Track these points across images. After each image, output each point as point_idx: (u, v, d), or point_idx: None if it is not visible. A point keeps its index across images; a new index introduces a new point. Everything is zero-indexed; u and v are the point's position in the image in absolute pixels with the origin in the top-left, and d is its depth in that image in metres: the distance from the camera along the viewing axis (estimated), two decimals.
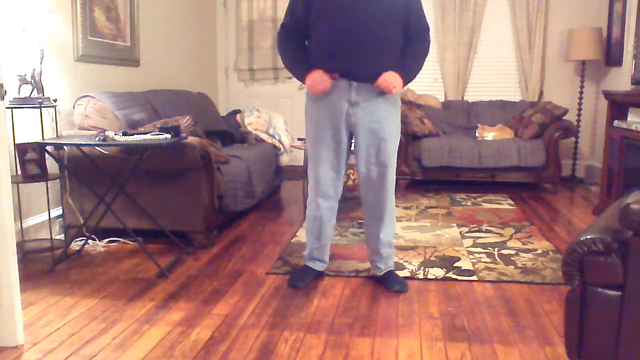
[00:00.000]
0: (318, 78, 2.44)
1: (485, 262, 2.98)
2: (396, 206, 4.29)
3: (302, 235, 3.45)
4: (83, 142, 2.81)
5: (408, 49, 2.50)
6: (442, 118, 5.44)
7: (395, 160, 2.60)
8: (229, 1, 6.05)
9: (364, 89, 2.46)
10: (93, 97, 3.41)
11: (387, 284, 2.64)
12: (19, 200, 3.03)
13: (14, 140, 2.97)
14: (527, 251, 3.18)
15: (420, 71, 2.62)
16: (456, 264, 2.96)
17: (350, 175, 4.25)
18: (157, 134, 2.92)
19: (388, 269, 2.70)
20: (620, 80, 4.87)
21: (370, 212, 2.65)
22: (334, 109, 2.49)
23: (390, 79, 2.42)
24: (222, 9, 6.05)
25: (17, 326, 2.05)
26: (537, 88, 5.60)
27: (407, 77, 2.50)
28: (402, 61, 2.48)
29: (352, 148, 2.63)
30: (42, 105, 3.00)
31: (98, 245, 3.28)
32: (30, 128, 3.19)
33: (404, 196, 4.73)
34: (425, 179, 5.09)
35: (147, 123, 3.45)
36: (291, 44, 2.57)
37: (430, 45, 2.65)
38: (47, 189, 3.19)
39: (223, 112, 5.60)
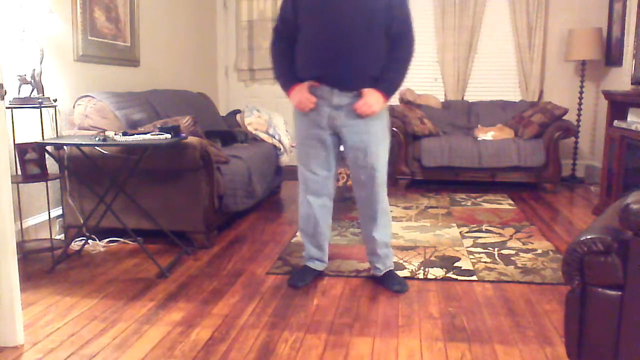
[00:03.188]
0: (304, 99, 2.46)
1: (485, 262, 2.98)
2: (396, 206, 4.31)
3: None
4: (83, 142, 2.81)
5: (390, 57, 2.46)
6: (442, 118, 5.44)
7: (385, 162, 2.58)
8: (229, 1, 6.05)
9: (346, 94, 2.46)
10: (93, 97, 3.41)
11: (387, 284, 2.64)
12: (19, 200, 3.03)
13: (14, 140, 2.97)
14: (527, 251, 3.18)
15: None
16: (456, 264, 2.96)
17: (350, 175, 4.25)
18: (157, 134, 2.92)
19: (388, 269, 2.70)
20: (620, 80, 4.87)
21: (364, 213, 2.65)
22: (317, 112, 2.49)
23: (370, 101, 2.41)
24: (222, 9, 6.05)
25: (17, 326, 2.05)
26: (537, 88, 5.60)
27: (389, 92, 2.48)
28: (384, 74, 2.45)
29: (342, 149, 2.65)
30: (42, 105, 3.00)
31: (98, 245, 3.28)
32: (30, 128, 3.19)
33: (404, 196, 4.73)
34: (425, 179, 5.09)
35: (147, 123, 3.45)
36: (280, 52, 2.57)
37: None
38: (47, 189, 3.19)
39: (223, 112, 5.60)
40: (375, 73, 2.44)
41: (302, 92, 2.47)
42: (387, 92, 2.46)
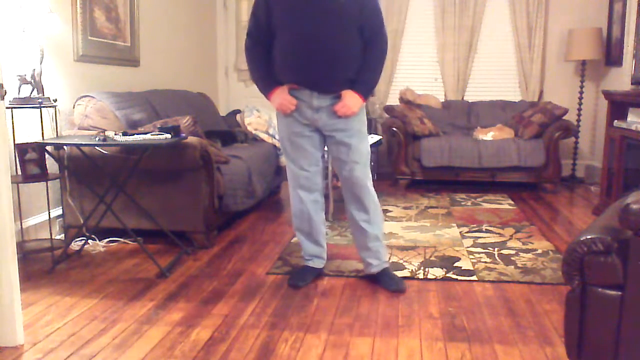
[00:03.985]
0: (285, 102, 2.50)
1: (485, 262, 2.98)
2: (396, 206, 4.32)
3: None
4: (83, 142, 2.81)
5: (365, 58, 2.49)
6: (442, 118, 5.44)
7: (368, 156, 2.61)
8: (229, 1, 6.05)
9: (326, 96, 2.49)
10: (93, 97, 3.41)
11: (384, 283, 2.63)
12: (19, 200, 3.03)
13: (14, 140, 2.97)
14: (527, 251, 3.18)
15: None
16: (456, 264, 2.96)
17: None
18: (157, 134, 2.92)
19: (383, 266, 2.68)
20: (620, 80, 4.87)
21: (352, 206, 2.65)
22: (299, 112, 2.53)
23: (349, 103, 2.46)
24: (222, 9, 6.05)
25: (17, 326, 2.05)
26: (537, 88, 5.60)
27: (367, 92, 2.53)
28: (360, 75, 2.49)
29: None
30: (42, 105, 3.00)
31: (98, 245, 3.28)
32: (30, 128, 3.19)
33: (404, 196, 4.73)
34: (425, 179, 5.09)
35: (147, 123, 3.45)
36: (255, 56, 2.58)
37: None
38: (47, 189, 3.19)
39: (223, 112, 5.60)
40: (353, 75, 2.48)
41: (282, 95, 2.51)
42: (365, 93, 2.52)
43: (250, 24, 2.58)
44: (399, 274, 2.79)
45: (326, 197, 2.84)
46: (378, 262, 2.68)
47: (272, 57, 2.53)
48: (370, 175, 2.63)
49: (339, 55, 2.43)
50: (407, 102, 5.44)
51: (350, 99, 2.47)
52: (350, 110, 2.47)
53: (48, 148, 2.97)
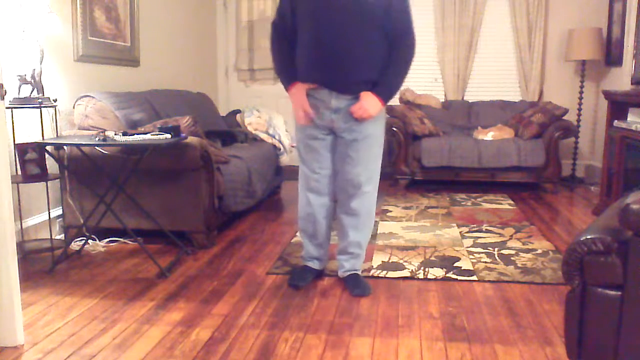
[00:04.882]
0: (302, 113, 2.48)
1: (485, 262, 2.98)
2: (396, 206, 4.32)
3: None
4: (83, 142, 2.81)
5: (389, 60, 2.43)
6: (442, 118, 5.44)
7: (376, 162, 2.56)
8: (229, 1, 6.05)
9: (345, 96, 2.45)
10: (93, 97, 3.41)
11: (349, 286, 2.60)
12: (19, 200, 3.03)
13: (14, 140, 2.97)
14: (527, 251, 3.18)
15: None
16: (456, 264, 2.96)
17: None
18: (157, 134, 2.92)
19: (353, 271, 2.65)
20: (620, 80, 4.87)
21: (342, 211, 2.62)
22: (316, 114, 2.49)
23: (366, 105, 2.40)
24: (222, 9, 6.05)
25: (17, 326, 2.05)
26: (537, 88, 5.60)
27: (387, 96, 2.46)
28: (382, 77, 2.43)
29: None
30: (42, 105, 3.00)
31: (98, 245, 3.28)
32: (30, 128, 3.19)
33: (404, 196, 4.73)
34: (425, 179, 5.09)
35: (147, 123, 3.45)
36: (278, 49, 2.57)
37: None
38: (47, 189, 3.19)
39: (223, 112, 5.60)
40: (375, 76, 2.43)
41: (300, 97, 2.47)
42: (385, 96, 2.45)
43: (276, 16, 2.56)
44: (399, 274, 2.80)
45: None
46: (351, 267, 2.66)
47: (295, 52, 2.51)
48: (377, 183, 2.59)
49: (359, 55, 2.38)
50: (407, 102, 5.44)
51: (368, 101, 2.41)
52: (367, 112, 2.41)
53: (48, 148, 2.97)
